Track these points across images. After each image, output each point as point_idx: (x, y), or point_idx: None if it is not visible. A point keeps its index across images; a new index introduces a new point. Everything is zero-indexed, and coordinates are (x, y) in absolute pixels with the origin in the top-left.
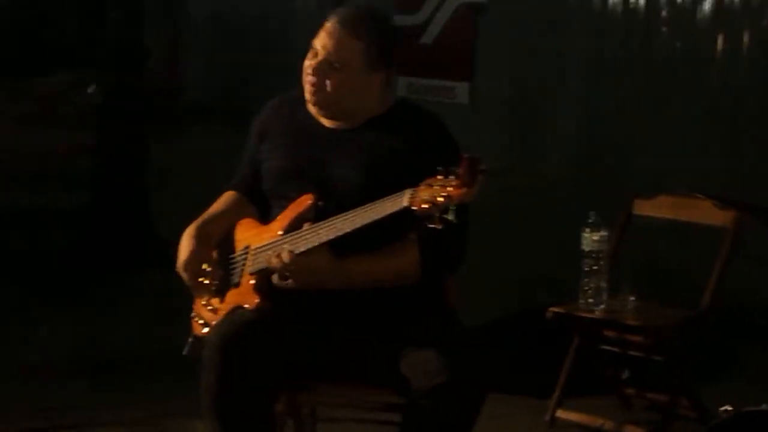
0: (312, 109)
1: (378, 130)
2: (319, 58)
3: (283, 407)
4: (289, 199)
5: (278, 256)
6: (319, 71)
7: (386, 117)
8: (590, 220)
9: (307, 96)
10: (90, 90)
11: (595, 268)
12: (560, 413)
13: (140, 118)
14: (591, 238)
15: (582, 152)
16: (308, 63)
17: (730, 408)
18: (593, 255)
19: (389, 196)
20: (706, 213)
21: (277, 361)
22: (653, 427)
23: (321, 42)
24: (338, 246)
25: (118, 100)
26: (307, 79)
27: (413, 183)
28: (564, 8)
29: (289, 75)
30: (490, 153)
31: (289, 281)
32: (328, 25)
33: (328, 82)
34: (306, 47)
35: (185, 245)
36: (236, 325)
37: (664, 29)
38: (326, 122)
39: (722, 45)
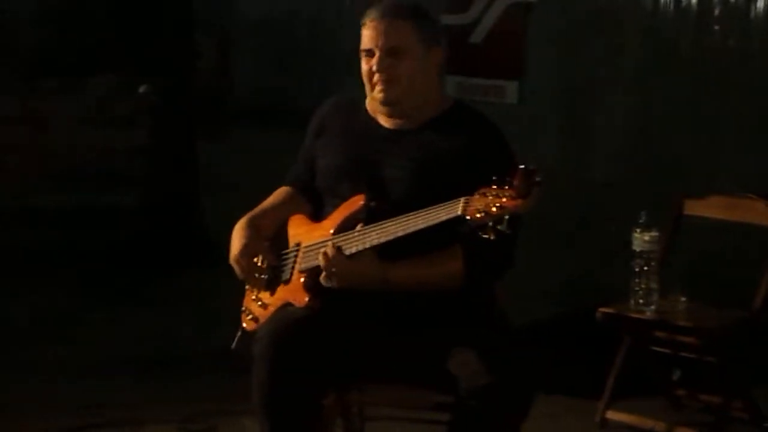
0: (379, 108)
1: (436, 132)
2: (378, 54)
3: (333, 406)
4: (342, 198)
5: (325, 253)
6: (383, 66)
7: (444, 118)
8: (641, 220)
9: (380, 96)
10: (141, 90)
11: (645, 268)
12: (610, 414)
13: (190, 119)
14: (642, 239)
15: (633, 151)
16: (367, 66)
17: None
18: (644, 255)
19: (443, 204)
20: (759, 213)
21: (327, 359)
22: (705, 428)
23: (371, 41)
24: (384, 248)
25: (169, 100)
26: (375, 79)
27: (466, 189)
28: (614, 6)
29: (339, 77)
30: (540, 152)
31: (334, 281)
32: (371, 23)
33: (394, 68)
34: (356, 48)
35: (237, 237)
36: (286, 322)
37: (716, 27)
38: (385, 122)
39: None
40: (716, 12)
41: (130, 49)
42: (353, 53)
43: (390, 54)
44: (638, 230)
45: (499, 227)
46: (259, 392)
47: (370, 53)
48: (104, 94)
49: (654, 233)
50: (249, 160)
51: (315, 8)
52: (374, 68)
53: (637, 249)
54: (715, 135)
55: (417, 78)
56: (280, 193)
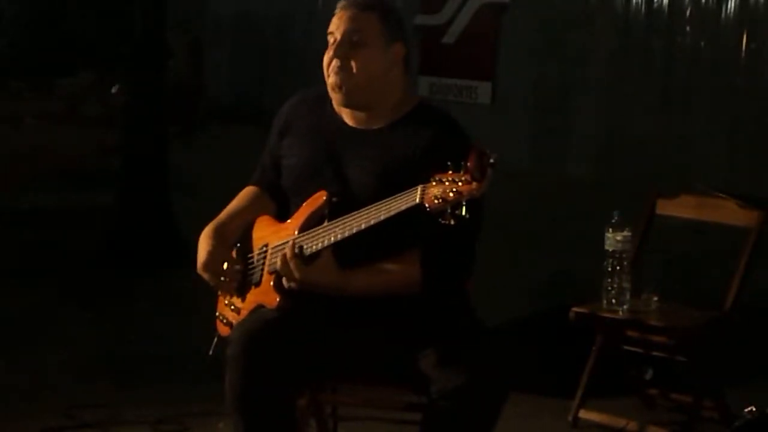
0: (337, 100)
1: (400, 133)
2: (339, 39)
3: (305, 407)
4: (307, 197)
5: (283, 257)
6: (340, 52)
7: (408, 119)
8: (613, 220)
9: (332, 82)
10: (113, 90)
11: (618, 268)
12: (583, 413)
13: (162, 119)
14: (614, 238)
15: (604, 152)
16: (327, 55)
17: (754, 409)
18: (616, 255)
19: (401, 193)
20: (730, 213)
21: (300, 359)
22: (676, 427)
23: (335, 26)
24: (342, 252)
25: (140, 100)
26: (331, 66)
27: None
28: (586, 7)
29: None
30: (512, 152)
31: (292, 284)
32: (338, 12)
33: (352, 62)
34: (326, 49)
35: (203, 246)
36: (259, 323)
37: (687, 28)
38: (350, 120)
39: (746, 44)
40: (688, 13)
41: (101, 49)
42: (325, 52)
43: (349, 42)
44: (610, 230)
45: (457, 212)
46: (233, 393)
47: (332, 39)
48: (75, 95)
49: (626, 233)
50: (221, 158)
51: (286, 8)
52: (331, 53)
53: (610, 249)
54: (687, 135)
55: (374, 69)
56: (246, 193)
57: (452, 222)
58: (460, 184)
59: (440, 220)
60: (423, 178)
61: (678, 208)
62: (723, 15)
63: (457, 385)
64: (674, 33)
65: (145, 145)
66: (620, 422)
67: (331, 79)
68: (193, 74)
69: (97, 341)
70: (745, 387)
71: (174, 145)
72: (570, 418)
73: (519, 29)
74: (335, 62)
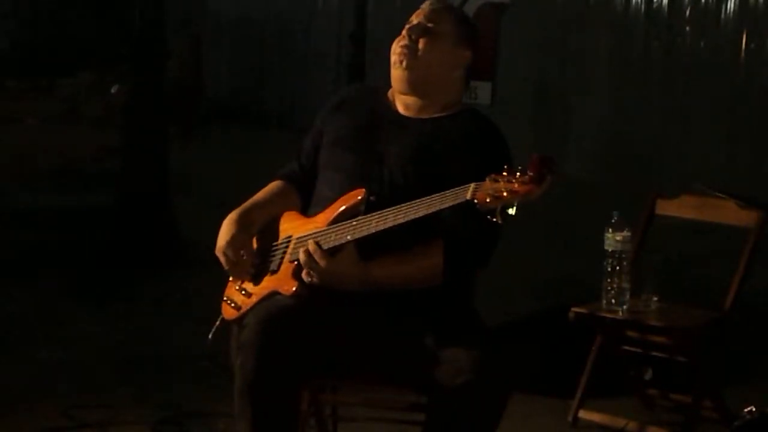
0: (395, 77)
1: (441, 129)
2: (415, 23)
3: (306, 406)
4: (339, 170)
5: (306, 250)
6: (413, 32)
7: (453, 118)
8: (613, 220)
9: (395, 59)
10: (113, 90)
11: (617, 268)
12: (582, 413)
13: (162, 119)
14: (614, 238)
15: (604, 152)
16: (398, 42)
17: (753, 409)
18: (616, 255)
19: (452, 190)
20: (729, 213)
21: (311, 350)
22: (676, 428)
23: (415, 15)
24: (363, 246)
25: (140, 100)
26: (401, 43)
27: (459, 181)
28: (586, 8)
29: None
30: (513, 153)
31: (314, 279)
32: (423, 6)
33: (420, 45)
34: (326, 50)
35: (225, 230)
36: (275, 309)
37: (687, 28)
38: (400, 108)
39: (746, 44)
40: (687, 13)
41: (101, 49)
42: (324, 54)
43: (424, 27)
44: (610, 230)
45: (508, 212)
46: (244, 378)
47: (409, 23)
48: (75, 95)
49: (626, 233)
50: (220, 159)
51: (286, 8)
52: (404, 32)
53: (609, 249)
54: (687, 135)
55: (437, 59)
56: (272, 187)
57: (500, 221)
58: (516, 185)
59: (489, 217)
60: (454, 173)
61: (678, 208)
62: (723, 15)
63: (461, 384)
64: (674, 33)
65: (145, 145)
66: (620, 422)
67: (394, 56)
68: (193, 74)
69: (97, 341)
70: (745, 387)
71: (174, 145)
72: (570, 418)
73: (519, 29)
74: (405, 40)
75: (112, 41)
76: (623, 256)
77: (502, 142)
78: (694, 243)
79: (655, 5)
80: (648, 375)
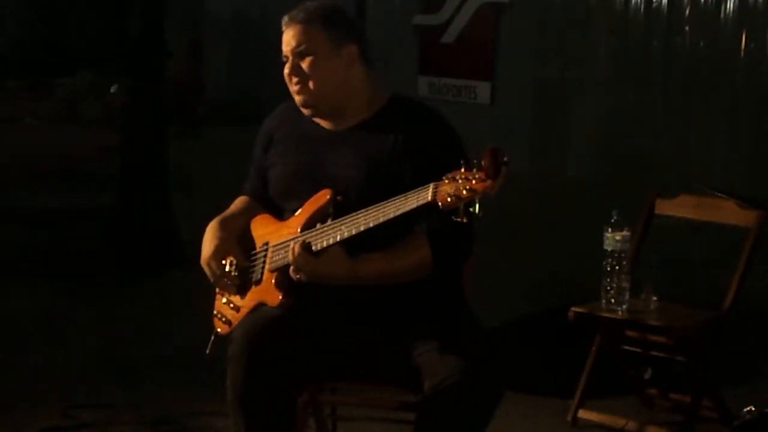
0: (308, 114)
1: (376, 129)
2: (290, 58)
3: (305, 407)
4: (300, 199)
5: (292, 250)
6: (293, 70)
7: (383, 113)
8: (612, 220)
9: (298, 101)
10: (113, 90)
11: (617, 267)
12: (582, 413)
13: (162, 119)
14: (613, 238)
15: (604, 152)
16: (285, 71)
17: (753, 408)
18: (615, 255)
19: (412, 191)
20: (729, 213)
21: (300, 358)
22: (676, 427)
23: (284, 47)
24: (350, 242)
25: (140, 100)
26: (290, 85)
27: (419, 177)
28: (586, 7)
29: None
30: (511, 153)
31: (302, 277)
32: (283, 30)
33: (309, 80)
34: None
35: (209, 239)
36: (261, 321)
37: (686, 28)
38: (326, 125)
39: (746, 44)
40: (687, 13)
41: (101, 49)
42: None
43: (299, 57)
44: (609, 230)
45: (471, 210)
46: (234, 392)
47: (285, 59)
48: (75, 95)
49: (625, 232)
50: (220, 158)
51: (286, 8)
52: (287, 72)
53: (609, 248)
54: (686, 135)
55: (331, 78)
56: (240, 201)
57: (465, 219)
58: (473, 181)
59: (453, 217)
60: (408, 169)
61: (677, 208)
62: (722, 15)
63: (450, 383)
64: (673, 33)
65: (145, 145)
66: (619, 422)
67: (296, 99)
68: (193, 74)
69: (96, 341)
70: (745, 387)
71: (174, 145)
72: (569, 418)
73: (518, 29)
74: (294, 82)
75: (112, 41)
76: (622, 255)
77: (450, 133)
78: (694, 243)
79: (654, 5)
80: (647, 374)
